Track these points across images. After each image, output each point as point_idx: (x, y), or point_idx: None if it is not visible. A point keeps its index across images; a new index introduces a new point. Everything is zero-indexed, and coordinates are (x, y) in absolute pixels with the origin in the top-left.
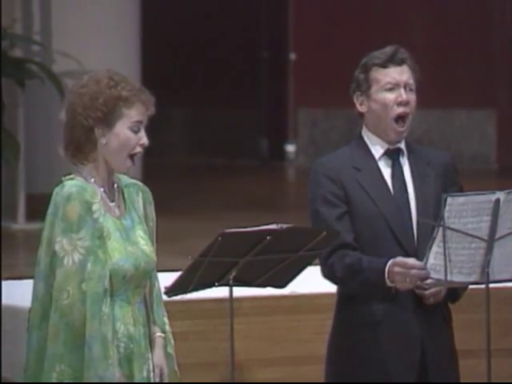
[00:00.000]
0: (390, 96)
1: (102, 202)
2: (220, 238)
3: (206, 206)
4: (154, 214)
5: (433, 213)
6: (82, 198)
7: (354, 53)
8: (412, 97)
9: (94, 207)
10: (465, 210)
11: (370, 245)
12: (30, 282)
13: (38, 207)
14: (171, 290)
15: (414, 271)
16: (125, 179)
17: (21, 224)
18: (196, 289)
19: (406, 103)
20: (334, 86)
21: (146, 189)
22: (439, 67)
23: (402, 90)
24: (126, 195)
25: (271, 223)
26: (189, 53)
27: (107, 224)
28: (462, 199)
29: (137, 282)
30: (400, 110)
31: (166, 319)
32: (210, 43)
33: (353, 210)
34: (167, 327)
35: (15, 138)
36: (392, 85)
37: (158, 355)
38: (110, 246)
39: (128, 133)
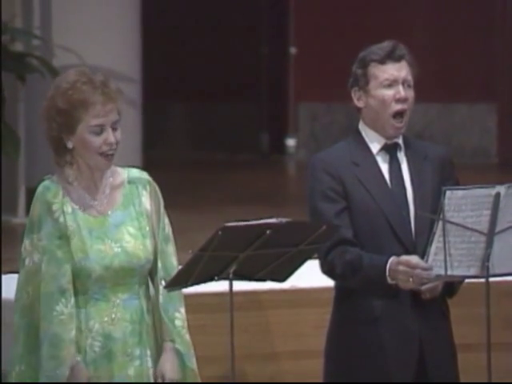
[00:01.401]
0: (389, 93)
1: (80, 200)
2: (220, 232)
3: (207, 200)
4: (162, 208)
5: (431, 207)
6: (44, 198)
7: (354, 47)
8: (410, 93)
9: (54, 207)
10: (464, 204)
11: (369, 240)
12: None
13: None
14: (171, 284)
15: (417, 271)
16: (132, 173)
17: (21, 218)
18: (196, 283)
19: (404, 100)
20: (334, 81)
21: (153, 183)
22: (440, 61)
23: (401, 87)
24: (126, 190)
25: (271, 217)
26: (189, 47)
27: (73, 223)
28: (461, 193)
29: (115, 280)
30: (398, 106)
31: (178, 314)
32: (211, 38)
33: (351, 205)
34: (177, 322)
35: (15, 132)
36: (390, 81)
37: (161, 362)
38: (74, 245)
39: (89, 136)
